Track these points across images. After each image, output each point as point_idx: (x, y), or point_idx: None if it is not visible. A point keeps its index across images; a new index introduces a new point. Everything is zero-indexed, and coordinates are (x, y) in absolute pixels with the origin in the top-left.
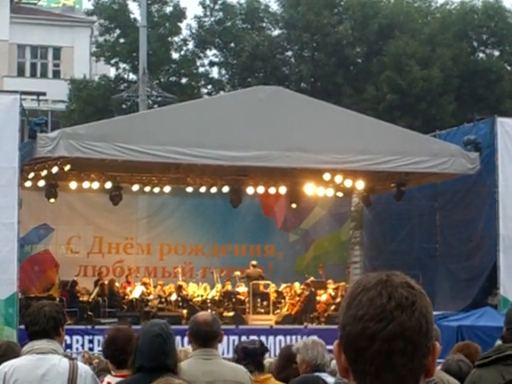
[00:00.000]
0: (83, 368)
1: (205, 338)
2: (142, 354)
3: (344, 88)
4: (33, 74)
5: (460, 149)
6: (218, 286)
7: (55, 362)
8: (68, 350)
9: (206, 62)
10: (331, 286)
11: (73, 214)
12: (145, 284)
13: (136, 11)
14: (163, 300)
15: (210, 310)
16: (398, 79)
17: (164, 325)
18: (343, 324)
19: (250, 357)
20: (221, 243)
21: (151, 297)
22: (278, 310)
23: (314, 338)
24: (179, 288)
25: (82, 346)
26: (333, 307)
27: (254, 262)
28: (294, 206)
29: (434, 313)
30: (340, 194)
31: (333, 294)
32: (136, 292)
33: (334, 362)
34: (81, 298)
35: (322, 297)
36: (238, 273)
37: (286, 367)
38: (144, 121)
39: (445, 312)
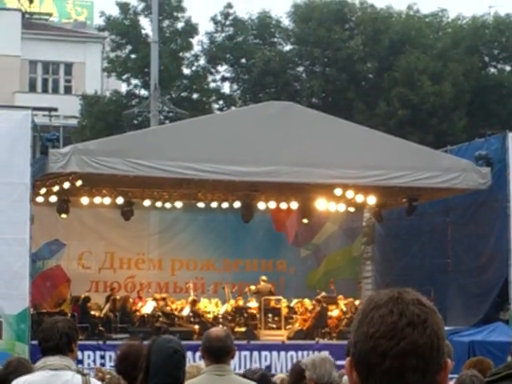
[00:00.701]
0: None
1: (218, 353)
2: (158, 370)
3: (355, 103)
4: (44, 90)
5: (471, 164)
6: (231, 302)
7: (68, 378)
8: (80, 366)
9: (217, 77)
10: (342, 301)
11: (84, 229)
12: (158, 299)
13: (147, 27)
14: (175, 315)
15: (221, 326)
16: (410, 94)
17: (178, 340)
18: (355, 341)
19: None
20: (232, 258)
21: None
22: (290, 326)
23: (323, 354)
24: (193, 302)
25: (94, 361)
26: (344, 322)
27: (264, 278)
28: (305, 221)
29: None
30: (351, 209)
31: (344, 309)
32: (147, 307)
33: (345, 377)
34: (92, 314)
35: (334, 312)
36: (252, 287)
37: (297, 382)
38: (155, 136)
39: (456, 327)
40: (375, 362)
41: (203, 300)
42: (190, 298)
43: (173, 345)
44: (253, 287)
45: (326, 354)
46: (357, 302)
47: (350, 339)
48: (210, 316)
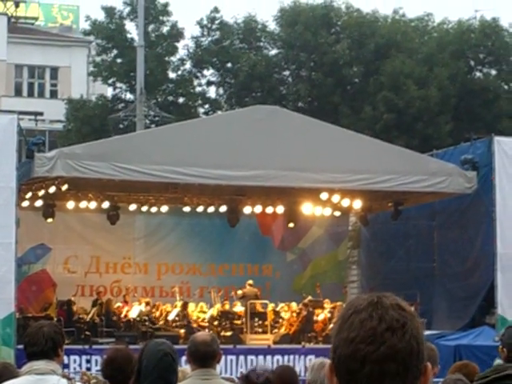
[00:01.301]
0: None
1: (204, 358)
2: (149, 373)
3: (341, 107)
4: (30, 94)
5: (457, 168)
6: (217, 306)
7: (54, 383)
8: (65, 370)
9: (203, 81)
10: (328, 305)
11: (70, 233)
12: (144, 303)
13: (133, 31)
14: (161, 319)
15: (207, 330)
16: (395, 99)
17: (170, 344)
18: (335, 346)
19: None
20: (218, 263)
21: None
22: (276, 330)
23: (324, 359)
24: (184, 305)
25: (80, 365)
26: (330, 327)
27: (250, 282)
28: (291, 225)
29: (432, 332)
30: (337, 214)
31: (328, 313)
32: (133, 312)
33: None
34: (78, 318)
35: (320, 316)
36: (239, 291)
37: None
38: (141, 140)
39: (442, 331)
40: (355, 368)
41: (190, 304)
42: (181, 302)
43: (163, 348)
44: (239, 291)
45: (325, 360)
46: (339, 305)
47: (331, 344)
48: (196, 320)
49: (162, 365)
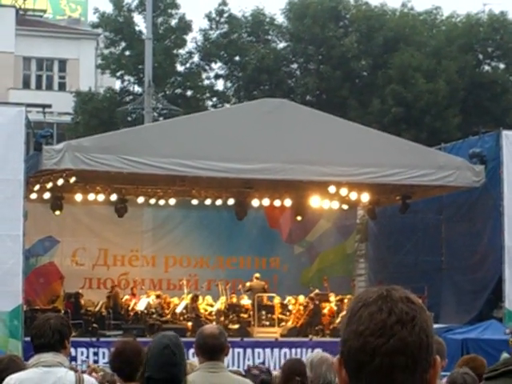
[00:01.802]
0: (89, 380)
1: (211, 350)
2: (151, 365)
3: (349, 101)
4: (38, 87)
5: (465, 162)
6: (223, 299)
7: (61, 375)
8: (73, 363)
9: (211, 74)
10: (333, 298)
11: (78, 226)
12: (152, 296)
13: (141, 24)
14: (168, 312)
15: (215, 323)
16: (404, 92)
17: (174, 337)
18: (344, 339)
19: None
20: (226, 255)
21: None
22: (283, 323)
23: (323, 354)
24: (194, 298)
25: (87, 358)
26: (338, 320)
27: (257, 275)
28: (299, 218)
29: (440, 326)
30: (345, 207)
31: (335, 306)
32: (141, 304)
33: None
34: (86, 311)
35: (326, 309)
36: (248, 284)
37: (289, 380)
38: (149, 133)
39: (450, 325)
40: (364, 360)
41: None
42: (190, 295)
43: (165, 341)
44: (247, 284)
45: (325, 354)
46: (348, 298)
47: (340, 337)
48: (204, 313)
49: (163, 358)
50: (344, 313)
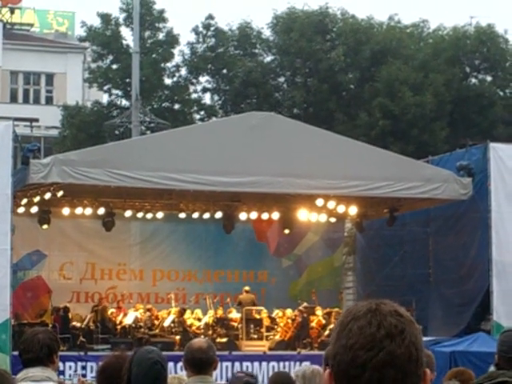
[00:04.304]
0: None
1: (200, 364)
2: (139, 382)
3: (336, 114)
4: (25, 101)
5: (453, 174)
6: (211, 312)
7: None
8: (61, 377)
9: (198, 88)
10: (319, 311)
11: (65, 240)
12: (139, 310)
13: (129, 37)
14: (156, 326)
15: (203, 336)
16: (391, 105)
17: (159, 352)
18: (334, 353)
19: None
20: (214, 269)
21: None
22: (271, 336)
23: (314, 367)
24: (181, 312)
25: (75, 372)
26: (326, 333)
27: (246, 288)
28: (286, 231)
29: (427, 338)
30: (333, 220)
31: (323, 319)
32: (129, 318)
33: None
34: (74, 324)
35: (315, 322)
36: (241, 296)
37: None
38: (137, 147)
39: (438, 338)
40: (355, 374)
41: (187, 311)
42: (177, 308)
43: (153, 356)
44: (239, 297)
45: (316, 367)
46: (336, 311)
47: (327, 351)
48: (192, 326)
49: (152, 373)
50: (332, 326)
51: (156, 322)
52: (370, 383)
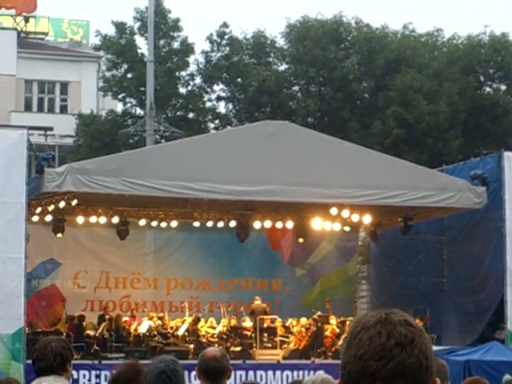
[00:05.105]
0: None
1: (214, 373)
2: None
3: (351, 123)
4: (40, 109)
5: (467, 183)
6: (225, 321)
7: None
8: None
9: (213, 96)
10: (334, 320)
11: (80, 248)
12: (154, 318)
13: (143, 46)
14: (170, 334)
15: (216, 345)
16: (405, 114)
17: (171, 362)
18: (344, 363)
19: None
20: (228, 278)
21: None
22: (285, 345)
23: (324, 376)
24: (195, 320)
25: (89, 381)
26: (340, 342)
27: (257, 298)
28: (301, 240)
29: (442, 347)
30: (347, 229)
31: (337, 328)
32: (143, 327)
33: None
34: (88, 333)
35: (328, 331)
36: (256, 302)
37: None
38: (151, 156)
39: (452, 347)
40: None
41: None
42: (191, 317)
43: (160, 366)
44: (250, 306)
45: (327, 376)
46: (350, 320)
47: (340, 361)
48: (206, 335)
49: (158, 382)
50: (345, 336)
51: (169, 331)
52: None
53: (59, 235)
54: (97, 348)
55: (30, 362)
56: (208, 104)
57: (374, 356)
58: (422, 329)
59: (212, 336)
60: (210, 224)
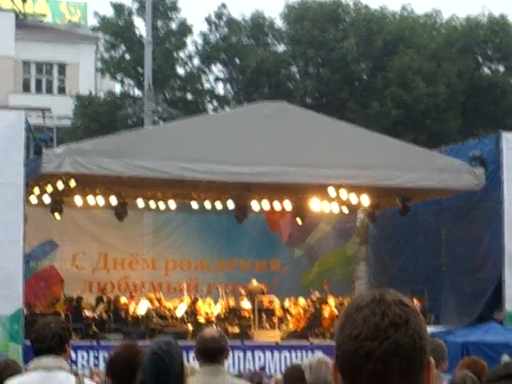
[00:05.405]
0: None
1: (212, 354)
2: (144, 371)
3: (349, 104)
4: (38, 91)
5: (465, 164)
6: (223, 302)
7: (62, 379)
8: (73, 366)
9: (211, 77)
10: (332, 301)
11: (78, 230)
12: (152, 299)
13: (141, 27)
14: (168, 316)
15: (215, 326)
16: (403, 95)
17: (165, 343)
18: (339, 344)
19: None
20: (226, 259)
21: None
22: (284, 326)
23: (321, 356)
24: (194, 301)
25: (88, 361)
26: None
27: (253, 279)
28: (299, 221)
29: (440, 328)
30: (345, 210)
31: (335, 309)
32: (141, 308)
33: None
34: (86, 314)
35: (326, 312)
36: (247, 286)
37: None
38: (149, 137)
39: (450, 327)
40: (359, 364)
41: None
42: (190, 298)
43: (153, 347)
44: (248, 286)
45: (323, 356)
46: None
47: (335, 342)
48: (204, 316)
49: (150, 364)
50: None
51: (166, 312)
52: (375, 373)
53: (57, 216)
54: (95, 329)
55: (28, 343)
56: (206, 85)
57: (369, 336)
58: (415, 308)
59: (210, 317)
60: (208, 205)
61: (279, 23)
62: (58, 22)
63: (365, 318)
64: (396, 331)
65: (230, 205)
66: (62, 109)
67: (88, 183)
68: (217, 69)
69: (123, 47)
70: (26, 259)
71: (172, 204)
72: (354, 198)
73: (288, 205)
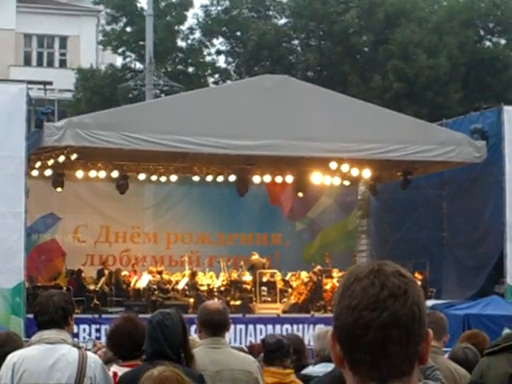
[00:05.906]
0: (92, 357)
1: (216, 326)
2: (145, 340)
3: (350, 77)
4: (39, 64)
5: (467, 137)
6: (225, 275)
7: (64, 352)
8: (75, 339)
9: (212, 50)
10: (336, 274)
11: (79, 203)
12: (153, 272)
13: (143, 0)
14: (170, 288)
15: (217, 299)
16: (405, 68)
17: (163, 314)
18: (337, 314)
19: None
20: (227, 232)
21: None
22: (285, 299)
23: (327, 328)
24: (193, 274)
25: (89, 335)
26: None
27: (254, 253)
28: (300, 194)
29: (441, 301)
30: (346, 183)
31: (337, 283)
32: (143, 281)
33: None
34: (88, 287)
35: (328, 285)
36: (249, 260)
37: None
38: (151, 110)
39: (451, 300)
40: (358, 334)
41: (199, 273)
42: (189, 271)
43: (151, 318)
44: (249, 260)
45: (324, 327)
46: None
47: (333, 313)
48: (205, 289)
49: (149, 334)
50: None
51: (168, 286)
52: (374, 343)
53: (59, 190)
54: (97, 302)
55: (30, 316)
56: (207, 58)
57: (368, 307)
58: (414, 280)
59: (212, 290)
60: (209, 178)
61: None
62: None
63: (364, 288)
64: (395, 302)
65: (232, 178)
66: (63, 82)
67: (89, 156)
68: (218, 42)
69: (124, 20)
70: (27, 232)
71: (173, 176)
72: (355, 171)
73: (289, 178)
